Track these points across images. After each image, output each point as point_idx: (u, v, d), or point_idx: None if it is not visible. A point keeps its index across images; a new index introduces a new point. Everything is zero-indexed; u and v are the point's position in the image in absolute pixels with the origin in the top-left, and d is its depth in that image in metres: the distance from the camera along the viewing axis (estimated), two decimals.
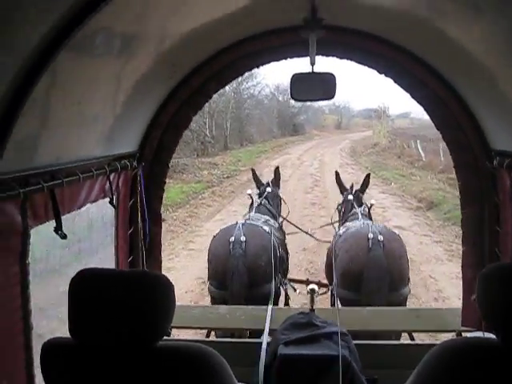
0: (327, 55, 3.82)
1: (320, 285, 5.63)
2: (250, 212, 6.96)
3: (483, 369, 1.79)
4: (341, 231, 6.04)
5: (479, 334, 3.82)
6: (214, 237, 6.24)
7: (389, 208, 18.02)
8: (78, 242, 3.45)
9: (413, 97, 3.93)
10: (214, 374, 1.92)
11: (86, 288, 1.87)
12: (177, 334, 5.27)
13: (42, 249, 2.93)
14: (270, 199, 7.28)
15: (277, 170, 7.84)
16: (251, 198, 7.43)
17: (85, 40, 2.30)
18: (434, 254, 12.43)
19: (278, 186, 7.76)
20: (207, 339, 5.01)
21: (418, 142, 32.84)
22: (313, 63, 3.58)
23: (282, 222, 7.36)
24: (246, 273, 5.55)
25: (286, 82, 50.50)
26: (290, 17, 3.51)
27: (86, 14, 2.09)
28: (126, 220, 3.92)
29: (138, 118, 3.79)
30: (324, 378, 3.27)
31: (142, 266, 4.06)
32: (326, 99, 3.67)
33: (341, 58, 3.88)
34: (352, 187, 7.38)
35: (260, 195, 7.35)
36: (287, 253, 6.70)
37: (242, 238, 5.72)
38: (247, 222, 6.23)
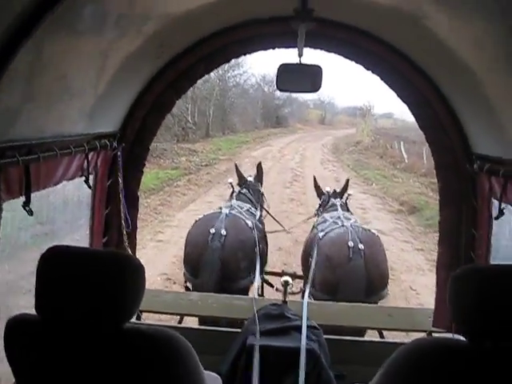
0: (315, 48, 3.85)
1: (295, 276, 5.68)
2: (231, 200, 6.96)
3: (451, 369, 1.83)
4: (320, 234, 5.97)
5: (449, 335, 3.89)
6: (196, 222, 6.27)
7: (369, 210, 17.85)
8: (52, 219, 3.44)
9: (398, 95, 3.98)
10: (178, 358, 1.95)
11: (55, 265, 1.87)
12: (148, 319, 5.29)
13: (14, 224, 2.90)
14: (250, 189, 7.31)
15: (259, 166, 7.89)
16: (232, 186, 7.43)
17: (71, 14, 2.30)
18: (415, 262, 12.26)
19: (261, 182, 7.79)
20: (177, 325, 5.00)
21: (402, 143, 32.94)
22: (300, 55, 3.61)
23: (264, 216, 7.39)
24: (219, 267, 5.58)
25: (272, 72, 50.30)
26: (281, 6, 3.52)
27: None
28: (102, 200, 3.91)
29: (122, 98, 3.78)
30: (292, 371, 3.30)
31: (116, 248, 4.04)
32: (311, 91, 3.69)
33: (329, 51, 3.91)
34: (328, 192, 7.46)
35: (241, 185, 7.37)
36: (267, 245, 6.73)
37: (223, 232, 5.74)
38: (231, 212, 6.22)
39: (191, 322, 5.65)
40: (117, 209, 4.02)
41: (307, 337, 3.48)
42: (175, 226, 13.85)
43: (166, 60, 3.88)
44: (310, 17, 3.34)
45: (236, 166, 7.97)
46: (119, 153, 3.91)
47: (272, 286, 6.40)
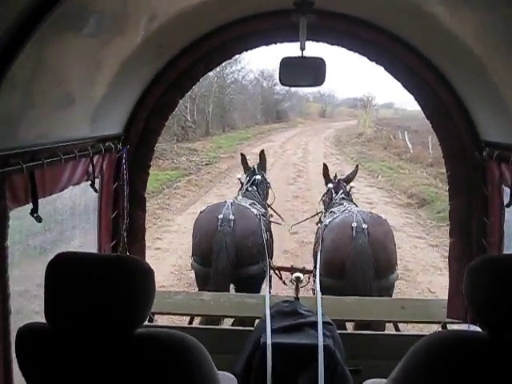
0: (318, 41, 3.84)
1: (304, 271, 5.73)
2: (237, 196, 7.01)
3: (471, 362, 1.84)
4: (327, 221, 6.13)
5: (464, 326, 3.91)
6: (201, 212, 6.34)
7: (377, 204, 17.44)
8: (59, 224, 3.45)
9: (403, 85, 3.98)
10: (192, 361, 1.95)
11: (63, 272, 1.87)
12: (160, 320, 5.29)
13: (22, 232, 2.91)
14: (258, 186, 7.37)
15: (262, 154, 7.97)
16: (241, 182, 7.51)
17: (69, 17, 2.31)
18: (430, 260, 11.71)
19: (264, 170, 7.85)
20: (189, 326, 5.05)
21: (406, 133, 32.88)
22: (303, 48, 3.59)
23: (267, 208, 7.42)
24: (233, 250, 5.62)
25: (270, 67, 50.67)
26: (281, 0, 3.54)
27: None
28: (109, 203, 3.93)
29: (124, 100, 3.80)
30: (307, 368, 3.33)
31: (124, 251, 4.07)
32: (314, 85, 3.70)
33: (331, 43, 3.90)
34: (335, 177, 7.51)
35: (248, 181, 7.42)
36: (272, 238, 6.77)
37: (231, 217, 5.80)
38: (235, 201, 6.31)
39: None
40: (124, 211, 4.04)
41: (322, 332, 3.50)
42: (174, 232, 13.59)
43: (166, 60, 3.89)
44: (310, 9, 3.35)
45: (243, 155, 8.00)
46: (124, 155, 3.93)
47: (281, 277, 6.44)
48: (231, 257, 5.62)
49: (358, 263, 5.35)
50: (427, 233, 14.06)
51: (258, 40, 3.96)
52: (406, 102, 61.87)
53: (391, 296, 5.70)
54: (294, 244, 11.25)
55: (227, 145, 33.30)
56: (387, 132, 38.80)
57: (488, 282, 1.86)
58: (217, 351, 2.39)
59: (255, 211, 6.24)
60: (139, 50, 3.21)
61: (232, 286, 5.91)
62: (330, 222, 6.01)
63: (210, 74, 34.05)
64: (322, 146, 36.29)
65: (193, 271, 6.31)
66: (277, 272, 6.52)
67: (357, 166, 7.94)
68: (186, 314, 5.12)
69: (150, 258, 11.10)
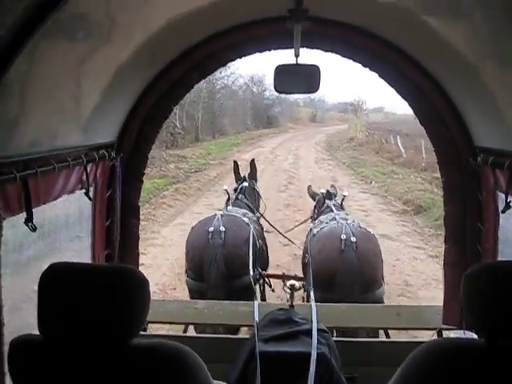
0: (311, 47, 3.88)
1: (297, 278, 5.77)
2: (226, 206, 7.06)
3: (469, 369, 1.85)
4: (315, 230, 6.17)
5: (460, 332, 3.96)
6: (193, 228, 6.34)
7: (371, 211, 17.23)
8: (53, 233, 3.44)
9: (397, 91, 4.03)
10: (187, 372, 1.94)
11: (56, 282, 1.86)
12: (154, 328, 5.32)
13: (16, 241, 2.90)
14: (246, 194, 7.39)
15: (253, 163, 7.98)
16: (227, 193, 7.50)
17: (61, 26, 2.32)
18: (431, 273, 11.00)
19: (255, 180, 7.88)
20: (184, 334, 5.06)
21: (398, 137, 32.95)
22: (297, 55, 3.64)
23: (259, 217, 7.45)
24: (224, 263, 5.65)
25: (260, 73, 51.03)
26: (275, 7, 3.57)
27: None
28: (103, 212, 3.94)
29: (117, 108, 3.82)
30: (303, 376, 3.34)
31: (118, 260, 4.10)
32: (309, 92, 3.76)
33: (325, 50, 3.94)
34: (323, 193, 7.54)
35: (236, 190, 7.46)
36: (266, 245, 6.81)
37: (222, 229, 5.83)
38: (225, 213, 6.35)
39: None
40: (117, 220, 4.06)
41: (317, 340, 3.53)
42: (159, 245, 13.16)
43: (159, 68, 3.91)
44: (305, 16, 3.38)
45: (235, 162, 8.03)
46: (117, 163, 3.95)
47: (270, 285, 6.49)
48: (221, 269, 5.65)
49: (346, 277, 5.38)
50: (426, 242, 13.73)
51: (252, 47, 3.99)
52: (395, 106, 62.44)
53: None
54: (286, 257, 10.96)
55: (217, 151, 33.27)
56: (379, 136, 38.96)
57: (485, 289, 1.87)
58: (212, 360, 2.41)
59: (247, 220, 6.25)
60: (132, 58, 3.23)
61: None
62: (318, 232, 6.05)
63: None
64: (313, 151, 36.32)
65: (178, 290, 6.32)
66: (267, 280, 6.56)
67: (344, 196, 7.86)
68: (180, 323, 5.13)
69: None
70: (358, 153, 34.79)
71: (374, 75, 4.02)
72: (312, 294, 4.98)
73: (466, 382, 1.84)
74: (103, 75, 3.16)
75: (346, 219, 6.31)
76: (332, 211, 6.70)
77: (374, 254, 5.84)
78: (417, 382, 1.93)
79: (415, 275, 11.05)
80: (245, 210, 6.84)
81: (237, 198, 7.26)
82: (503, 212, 3.41)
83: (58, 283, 1.86)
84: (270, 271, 6.88)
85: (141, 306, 1.91)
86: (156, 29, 3.17)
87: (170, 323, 5.36)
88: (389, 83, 4.00)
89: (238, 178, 7.69)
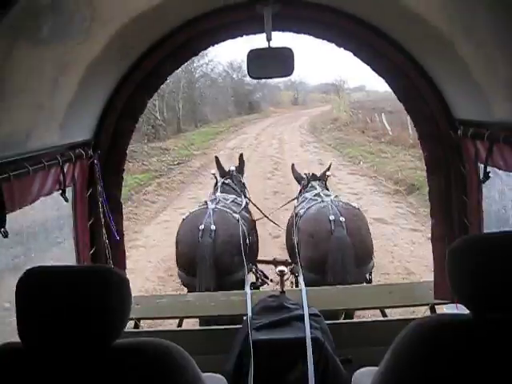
0: (284, 30, 3.88)
1: (287, 264, 5.82)
2: (215, 192, 7.11)
3: (457, 344, 1.88)
4: (301, 210, 6.21)
5: (452, 306, 4.01)
6: (184, 220, 6.40)
7: (363, 194, 16.69)
8: (32, 238, 3.44)
9: (373, 69, 4.03)
10: (177, 371, 1.93)
11: (33, 287, 1.84)
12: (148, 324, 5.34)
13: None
14: (234, 179, 7.45)
15: (241, 157, 8.04)
16: (216, 178, 7.55)
17: (29, 23, 2.31)
18: (432, 258, 10.36)
19: (242, 173, 7.91)
20: (176, 329, 5.10)
21: (383, 114, 32.94)
22: (269, 39, 3.65)
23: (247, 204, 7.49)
24: (213, 263, 5.71)
25: (239, 58, 50.67)
26: None
27: None
28: (85, 211, 3.94)
29: (92, 104, 3.80)
30: (298, 362, 3.39)
31: (105, 258, 4.10)
32: (284, 76, 3.76)
33: (298, 32, 3.94)
34: (307, 176, 7.60)
35: (224, 175, 7.50)
36: (257, 235, 6.86)
37: (212, 227, 5.90)
38: (217, 207, 6.36)
39: (191, 322, 5.76)
40: (101, 218, 4.06)
41: (309, 325, 3.57)
42: (142, 247, 12.65)
43: (131, 61, 3.90)
44: None
45: (217, 158, 8.07)
46: (96, 161, 3.94)
47: (267, 277, 6.57)
48: (212, 269, 5.71)
49: (339, 259, 5.45)
50: (422, 223, 13.12)
51: (224, 34, 3.98)
52: (377, 83, 62.51)
53: (370, 282, 5.84)
54: (277, 250, 10.53)
55: (200, 141, 33.16)
56: (363, 115, 39.00)
57: (469, 263, 1.90)
58: (206, 352, 2.44)
59: (236, 215, 6.28)
60: (104, 52, 3.22)
61: None
62: (304, 213, 6.10)
63: (177, 70, 33.96)
64: (297, 135, 36.28)
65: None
66: (259, 274, 6.61)
67: (330, 164, 8.10)
68: (173, 318, 5.17)
69: None
70: (343, 133, 34.82)
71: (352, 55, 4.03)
72: (301, 278, 5.03)
73: (455, 357, 1.87)
74: (76, 71, 3.14)
75: (329, 195, 6.43)
76: (315, 189, 6.77)
77: (364, 229, 5.94)
78: (406, 362, 1.96)
79: (415, 261, 10.62)
80: (233, 196, 6.91)
81: (224, 183, 7.31)
82: (483, 182, 3.46)
83: (36, 288, 1.84)
84: (260, 267, 6.94)
85: (120, 305, 1.90)
86: (127, 20, 3.16)
87: (162, 318, 5.41)
88: (364, 61, 4.00)
89: (223, 172, 7.68)
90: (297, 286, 5.98)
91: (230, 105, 52.09)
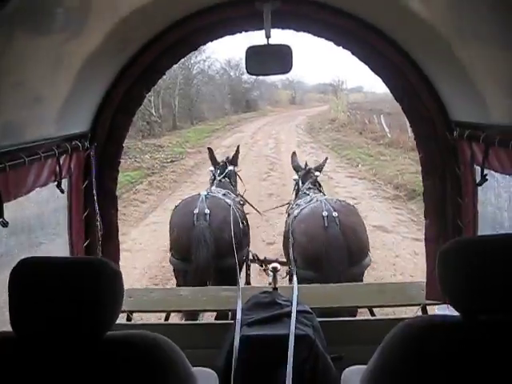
0: (283, 28, 3.90)
1: (279, 263, 5.89)
2: (211, 187, 7.28)
3: (446, 345, 1.91)
4: (296, 212, 6.28)
5: (444, 307, 4.06)
6: (177, 207, 6.55)
7: (361, 198, 16.27)
8: (27, 229, 3.46)
9: (370, 68, 4.07)
10: (166, 364, 1.97)
11: (26, 278, 1.88)
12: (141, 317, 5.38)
13: None
14: (231, 178, 7.66)
15: (237, 149, 8.27)
16: (213, 174, 7.69)
17: (29, 14, 2.34)
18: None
19: (236, 164, 8.08)
20: (167, 322, 5.12)
21: (382, 116, 32.88)
22: (268, 36, 3.68)
23: (242, 202, 7.58)
24: (212, 244, 5.85)
25: (237, 56, 50.70)
26: None
27: None
28: (80, 203, 3.97)
29: (89, 97, 3.83)
30: (287, 357, 3.37)
31: (99, 250, 4.14)
32: (282, 73, 3.79)
33: (297, 30, 3.97)
34: (306, 166, 7.77)
35: (220, 173, 7.62)
36: (248, 226, 6.95)
37: (206, 211, 6.03)
38: (209, 194, 6.51)
39: (180, 316, 5.78)
40: (96, 210, 4.09)
41: (300, 322, 3.58)
42: (127, 251, 11.61)
43: (130, 54, 3.93)
44: None
45: (210, 150, 8.17)
46: (92, 153, 3.97)
47: (262, 265, 6.67)
48: (211, 250, 5.83)
49: (333, 254, 5.51)
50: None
51: (223, 30, 4.01)
52: (374, 85, 62.55)
53: (363, 281, 5.88)
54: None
55: (195, 138, 33.04)
56: (361, 116, 38.94)
57: (460, 265, 1.94)
58: (197, 346, 2.47)
59: (229, 201, 6.43)
60: (102, 45, 3.24)
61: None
62: (298, 213, 6.17)
63: (175, 65, 33.91)
64: (294, 135, 36.10)
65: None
66: (255, 258, 6.76)
67: (326, 158, 8.32)
68: (164, 311, 5.21)
69: None
70: (340, 134, 34.64)
71: (350, 54, 4.06)
72: (294, 276, 5.08)
73: (444, 359, 1.90)
74: (74, 63, 3.16)
75: (324, 194, 6.59)
76: (308, 194, 6.84)
77: (358, 225, 6.00)
78: (394, 362, 2.01)
79: (420, 275, 9.21)
80: (226, 190, 7.04)
81: (220, 180, 7.44)
82: (479, 185, 3.51)
83: (29, 278, 1.88)
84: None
85: (113, 298, 1.94)
86: (126, 13, 3.19)
87: (154, 312, 5.47)
88: (362, 60, 4.04)
89: (216, 164, 7.83)
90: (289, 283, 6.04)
91: (226, 102, 52.07)
